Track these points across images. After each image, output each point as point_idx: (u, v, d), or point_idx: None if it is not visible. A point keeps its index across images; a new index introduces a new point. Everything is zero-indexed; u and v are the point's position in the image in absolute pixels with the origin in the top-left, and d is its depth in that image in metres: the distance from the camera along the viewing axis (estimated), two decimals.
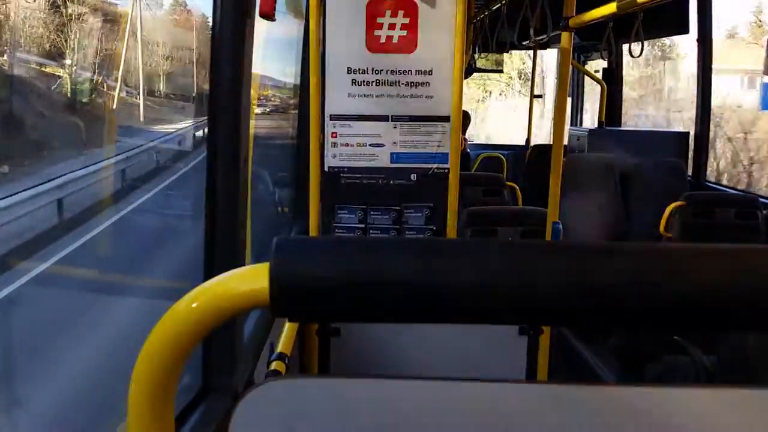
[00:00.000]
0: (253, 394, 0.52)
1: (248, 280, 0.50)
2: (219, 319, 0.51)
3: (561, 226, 2.61)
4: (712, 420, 0.51)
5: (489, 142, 8.32)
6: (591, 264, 0.48)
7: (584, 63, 6.39)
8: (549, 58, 10.12)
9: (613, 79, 5.86)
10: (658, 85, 14.47)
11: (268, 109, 7.75)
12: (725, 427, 0.52)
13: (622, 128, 5.71)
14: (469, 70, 6.23)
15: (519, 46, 3.82)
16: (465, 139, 6.34)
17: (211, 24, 1.29)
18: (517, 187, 4.91)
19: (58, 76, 8.51)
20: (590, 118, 6.78)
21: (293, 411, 0.52)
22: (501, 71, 10.56)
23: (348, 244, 0.50)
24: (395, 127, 2.63)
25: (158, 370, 0.52)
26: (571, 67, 3.17)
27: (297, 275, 0.48)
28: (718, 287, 0.48)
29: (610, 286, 0.47)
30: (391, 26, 2.55)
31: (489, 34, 4.43)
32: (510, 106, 16.30)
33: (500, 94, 17.98)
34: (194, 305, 0.51)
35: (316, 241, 0.51)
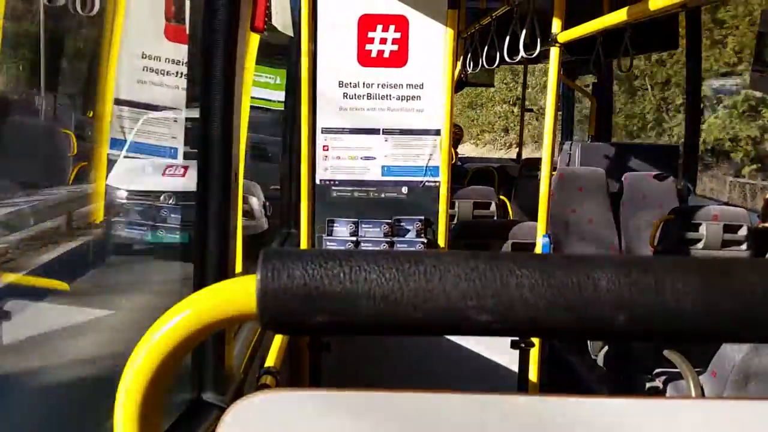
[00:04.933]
0: (239, 407, 0.52)
1: (236, 292, 0.50)
2: (206, 332, 0.51)
3: (550, 239, 2.62)
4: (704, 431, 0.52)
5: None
6: (578, 276, 0.48)
7: (575, 78, 6.44)
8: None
9: (603, 94, 5.90)
10: None
11: None
12: None
13: (612, 142, 5.75)
14: (460, 84, 6.26)
15: (509, 62, 3.84)
16: (456, 153, 6.36)
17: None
18: (508, 201, 4.92)
19: None
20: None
21: (280, 423, 0.52)
22: (492, 85, 10.63)
23: (337, 256, 0.50)
24: (386, 141, 2.64)
25: (144, 384, 0.51)
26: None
27: (284, 287, 0.48)
28: (705, 299, 0.48)
29: (593, 298, 0.48)
30: (383, 41, 2.57)
31: (479, 49, 4.46)
32: None
33: None
34: (181, 318, 0.51)
35: (303, 253, 0.51)
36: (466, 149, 17.98)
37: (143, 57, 2.92)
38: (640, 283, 0.48)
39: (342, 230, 2.64)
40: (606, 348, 3.33)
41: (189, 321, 0.50)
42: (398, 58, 2.58)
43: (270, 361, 1.80)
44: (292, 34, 2.44)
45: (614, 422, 0.51)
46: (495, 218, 4.11)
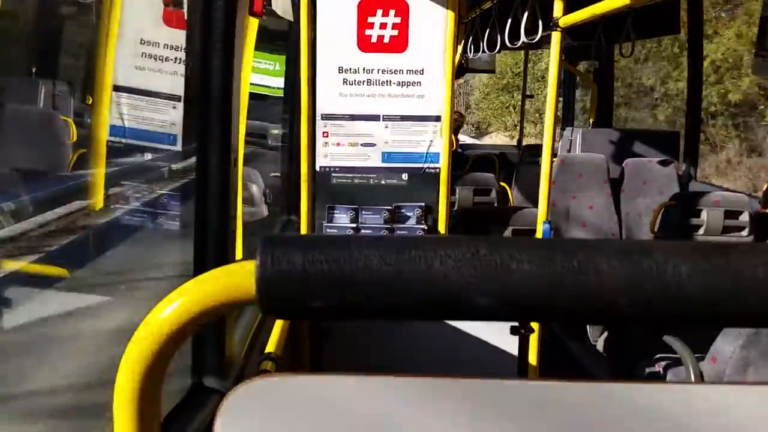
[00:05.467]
0: (240, 391, 0.52)
1: (235, 276, 0.50)
2: (206, 316, 0.51)
3: (551, 225, 2.62)
4: (705, 417, 0.51)
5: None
6: (578, 260, 0.48)
7: (577, 64, 6.40)
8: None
9: (604, 80, 5.87)
10: None
11: None
12: (716, 423, 0.52)
13: (613, 128, 5.74)
14: (461, 70, 6.24)
15: (510, 47, 3.82)
16: (457, 140, 6.35)
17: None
18: (509, 187, 4.92)
19: None
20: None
21: (280, 407, 0.52)
22: (492, 71, 10.59)
23: (337, 241, 0.50)
24: (387, 127, 2.63)
25: (144, 369, 0.51)
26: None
27: (284, 272, 0.48)
28: (706, 283, 0.48)
29: (594, 282, 0.47)
30: (383, 25, 2.55)
31: (480, 34, 4.44)
32: None
33: None
34: (179, 303, 0.50)
35: (303, 238, 0.50)
36: (496, 141, 14.56)
37: (142, 43, 2.90)
38: (640, 266, 0.48)
39: (342, 217, 2.63)
40: (605, 334, 3.34)
41: (188, 305, 0.50)
42: (398, 44, 2.57)
43: (271, 347, 1.80)
44: (291, 19, 2.42)
45: (613, 407, 0.51)
46: (496, 205, 4.11)
